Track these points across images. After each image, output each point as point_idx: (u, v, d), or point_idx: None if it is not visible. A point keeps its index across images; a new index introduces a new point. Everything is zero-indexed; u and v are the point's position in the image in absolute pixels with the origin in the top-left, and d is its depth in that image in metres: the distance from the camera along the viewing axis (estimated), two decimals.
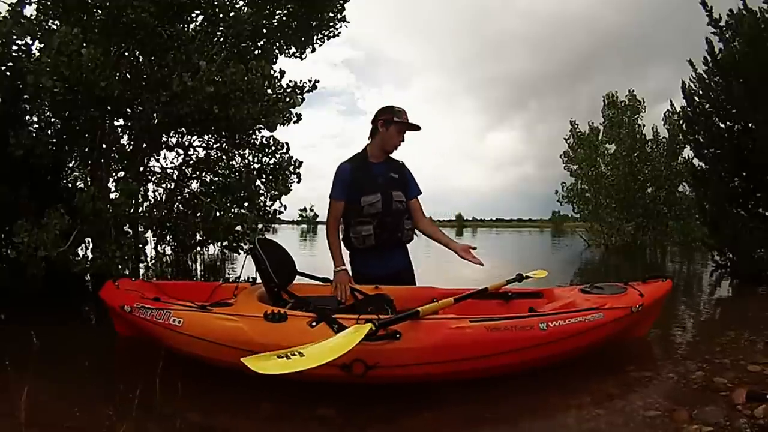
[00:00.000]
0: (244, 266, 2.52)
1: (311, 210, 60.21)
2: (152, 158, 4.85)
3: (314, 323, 1.96)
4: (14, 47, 3.68)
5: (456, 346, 1.96)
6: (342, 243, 2.69)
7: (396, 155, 2.73)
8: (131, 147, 4.55)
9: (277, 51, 5.04)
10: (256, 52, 4.82)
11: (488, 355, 1.99)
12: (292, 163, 4.72)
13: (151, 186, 4.96)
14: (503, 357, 2.01)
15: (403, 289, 2.57)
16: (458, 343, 1.96)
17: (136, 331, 2.45)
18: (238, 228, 4.56)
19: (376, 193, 2.58)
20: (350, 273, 2.66)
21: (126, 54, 4.03)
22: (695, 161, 6.27)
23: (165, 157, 4.98)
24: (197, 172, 5.11)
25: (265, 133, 4.68)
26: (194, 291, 2.74)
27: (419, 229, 2.77)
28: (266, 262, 2.34)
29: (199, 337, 2.08)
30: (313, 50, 5.18)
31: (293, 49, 5.11)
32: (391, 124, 2.61)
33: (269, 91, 4.14)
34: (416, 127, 2.65)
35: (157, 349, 2.33)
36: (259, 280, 2.51)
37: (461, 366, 1.98)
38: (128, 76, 4.02)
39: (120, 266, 3.62)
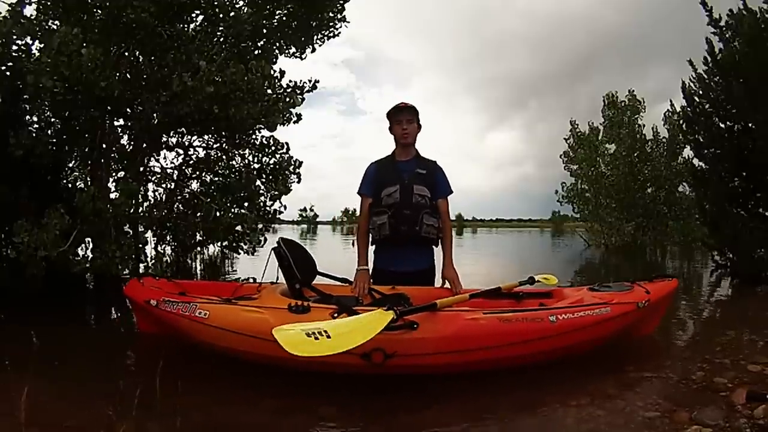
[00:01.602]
0: (267, 266, 2.59)
1: (311, 210, 60.41)
2: (152, 158, 4.85)
3: (336, 314, 2.04)
4: (14, 47, 3.67)
5: (470, 337, 2.04)
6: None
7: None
8: (131, 147, 4.55)
9: (277, 51, 5.04)
10: (256, 52, 4.82)
11: (501, 345, 2.07)
12: (292, 163, 4.72)
13: (151, 186, 4.96)
14: (515, 348, 2.09)
15: (419, 290, 2.62)
16: (472, 333, 2.04)
17: (160, 326, 2.52)
18: (238, 228, 4.56)
19: (395, 185, 2.62)
20: (373, 270, 2.72)
21: (126, 54, 4.03)
22: (695, 161, 6.28)
23: (165, 157, 4.98)
24: (197, 172, 5.10)
25: (265, 133, 4.68)
26: (217, 288, 2.85)
27: None
28: (290, 260, 2.45)
29: (225, 328, 2.15)
30: (313, 50, 5.18)
31: (293, 49, 5.11)
32: (390, 118, 2.71)
33: (269, 91, 4.13)
34: (405, 109, 2.65)
35: (157, 348, 2.33)
36: (280, 280, 2.59)
37: (475, 356, 2.06)
38: (128, 76, 4.02)
39: (120, 266, 3.61)
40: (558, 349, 2.20)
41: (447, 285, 2.68)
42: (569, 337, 2.18)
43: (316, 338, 1.67)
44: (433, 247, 2.77)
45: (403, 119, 2.66)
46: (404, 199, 2.60)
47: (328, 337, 1.69)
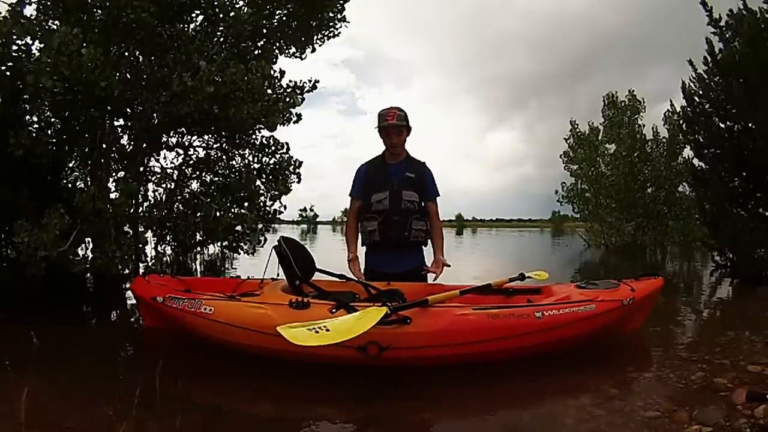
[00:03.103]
0: (268, 263, 2.64)
1: (311, 210, 60.41)
2: (152, 158, 4.84)
3: (334, 310, 2.13)
4: (14, 47, 3.67)
5: (459, 331, 2.13)
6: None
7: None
8: (131, 147, 4.54)
9: (277, 51, 5.04)
10: (256, 52, 4.82)
11: (489, 339, 2.14)
12: (292, 163, 4.71)
13: (151, 186, 4.94)
14: (502, 342, 2.16)
15: (414, 285, 2.70)
16: (462, 328, 2.13)
17: (166, 321, 2.59)
18: (238, 228, 4.56)
19: (385, 191, 2.69)
20: (365, 270, 2.82)
21: (126, 54, 4.03)
22: (695, 161, 6.29)
23: (165, 157, 4.96)
24: (197, 172, 5.09)
25: (265, 133, 4.67)
26: (220, 285, 2.92)
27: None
28: (290, 258, 2.52)
29: (229, 324, 2.23)
30: (313, 50, 5.17)
31: (293, 49, 5.10)
32: (378, 129, 2.74)
33: (269, 91, 4.13)
34: (391, 126, 2.67)
35: (157, 347, 2.33)
36: (281, 276, 2.65)
37: (464, 349, 2.13)
38: (128, 76, 4.02)
39: (120, 266, 3.61)
40: (544, 344, 2.26)
41: (442, 282, 2.75)
42: (554, 333, 2.24)
43: (317, 332, 1.76)
44: (423, 247, 2.84)
45: (391, 132, 2.70)
46: (393, 205, 2.68)
47: (327, 330, 1.78)
